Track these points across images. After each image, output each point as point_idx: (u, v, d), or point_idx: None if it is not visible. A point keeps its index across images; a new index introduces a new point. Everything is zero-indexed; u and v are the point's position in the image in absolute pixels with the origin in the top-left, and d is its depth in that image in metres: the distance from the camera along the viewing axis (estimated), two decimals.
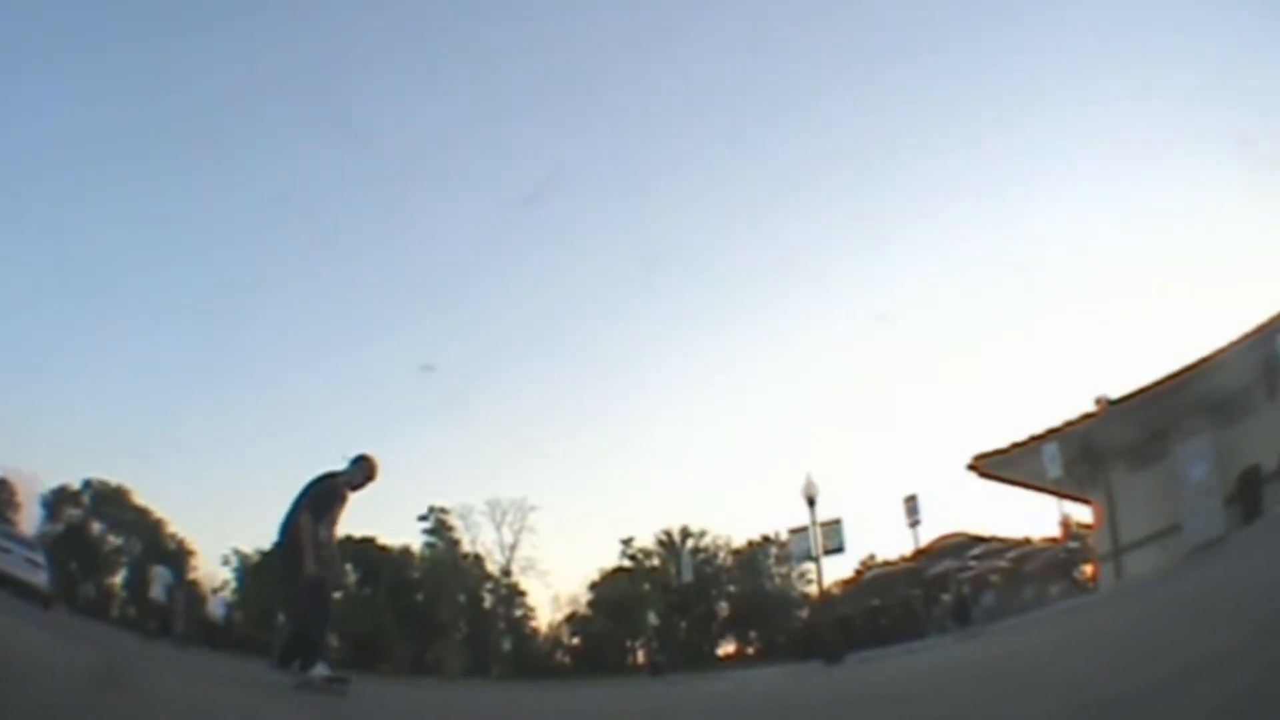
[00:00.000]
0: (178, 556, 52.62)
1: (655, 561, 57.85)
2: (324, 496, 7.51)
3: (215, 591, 50.27)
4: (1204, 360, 20.91)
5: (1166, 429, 21.81)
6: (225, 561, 56.96)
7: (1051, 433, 21.84)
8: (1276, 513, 16.96)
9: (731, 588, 58.98)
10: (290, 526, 7.31)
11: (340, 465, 8.00)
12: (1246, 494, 19.95)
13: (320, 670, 7.06)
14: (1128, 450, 22.53)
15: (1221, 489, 19.87)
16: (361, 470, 8.00)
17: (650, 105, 79.35)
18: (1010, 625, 19.74)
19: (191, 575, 51.90)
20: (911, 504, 25.68)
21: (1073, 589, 26.34)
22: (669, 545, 58.60)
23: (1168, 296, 75.21)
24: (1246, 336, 20.56)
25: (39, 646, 7.06)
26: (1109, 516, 22.51)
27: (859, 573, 45.00)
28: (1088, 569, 26.10)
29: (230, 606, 47.04)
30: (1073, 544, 26.78)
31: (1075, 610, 16.60)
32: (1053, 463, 20.84)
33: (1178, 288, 73.49)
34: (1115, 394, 22.65)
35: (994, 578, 28.29)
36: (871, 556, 47.22)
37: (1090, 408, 22.17)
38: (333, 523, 7.68)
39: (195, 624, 28.71)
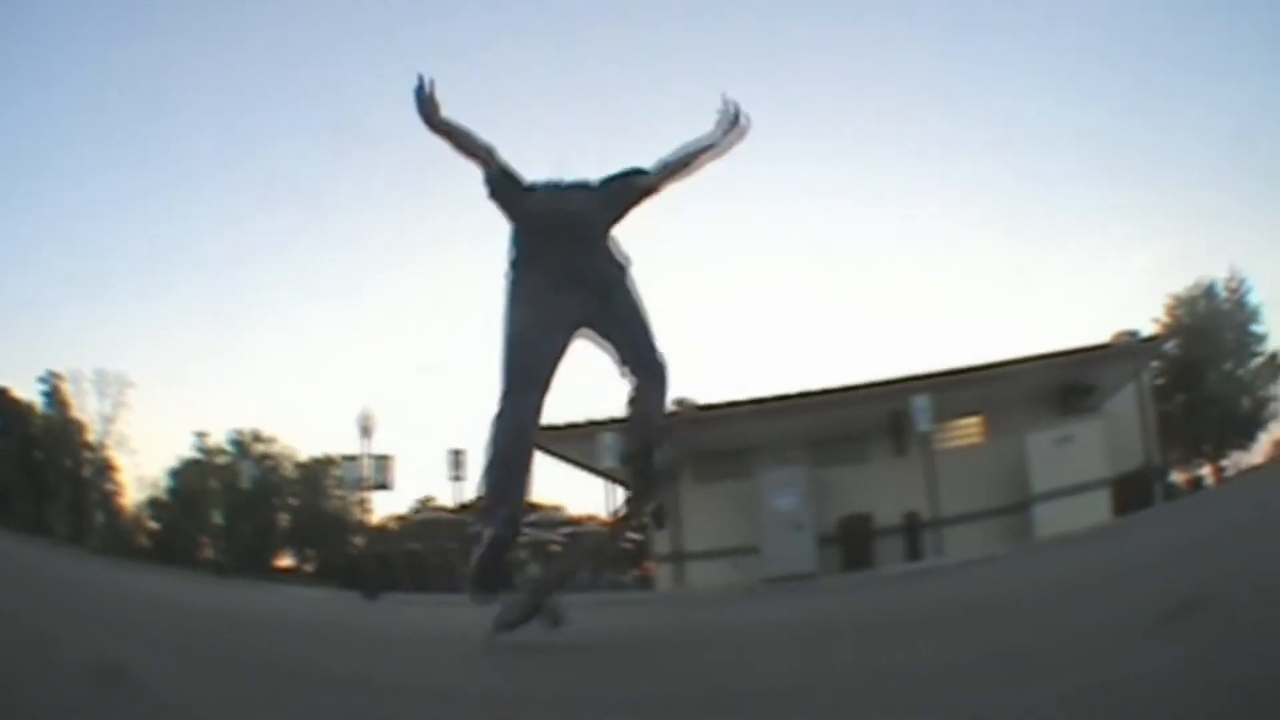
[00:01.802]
0: None
1: (225, 460, 56.04)
2: None
3: None
4: (823, 393, 21.58)
5: (755, 449, 22.11)
6: None
7: (615, 422, 21.10)
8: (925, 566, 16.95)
9: (293, 500, 57.49)
10: None
11: None
12: (852, 541, 20.75)
13: None
14: (702, 457, 22.38)
15: (815, 526, 20.44)
16: None
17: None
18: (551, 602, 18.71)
19: None
20: (457, 458, 24.60)
21: (631, 581, 26.15)
22: (241, 446, 56.74)
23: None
24: (877, 385, 21.39)
25: None
26: (673, 519, 21.94)
27: (417, 513, 44.30)
28: (649, 566, 25.98)
29: None
30: (637, 535, 26.44)
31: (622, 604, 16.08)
32: (608, 453, 20.09)
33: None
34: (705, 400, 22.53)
35: (546, 549, 27.70)
36: (429, 499, 46.80)
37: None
38: None
39: None
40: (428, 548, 26.32)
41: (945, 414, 20.84)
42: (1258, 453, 41.89)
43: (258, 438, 57.43)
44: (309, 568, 53.77)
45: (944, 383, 20.71)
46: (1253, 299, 39.00)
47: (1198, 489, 32.44)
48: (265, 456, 56.86)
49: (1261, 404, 39.04)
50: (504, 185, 4.69)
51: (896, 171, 77.62)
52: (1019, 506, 20.26)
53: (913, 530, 20.54)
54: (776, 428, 21.65)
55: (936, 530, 19.67)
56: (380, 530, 30.47)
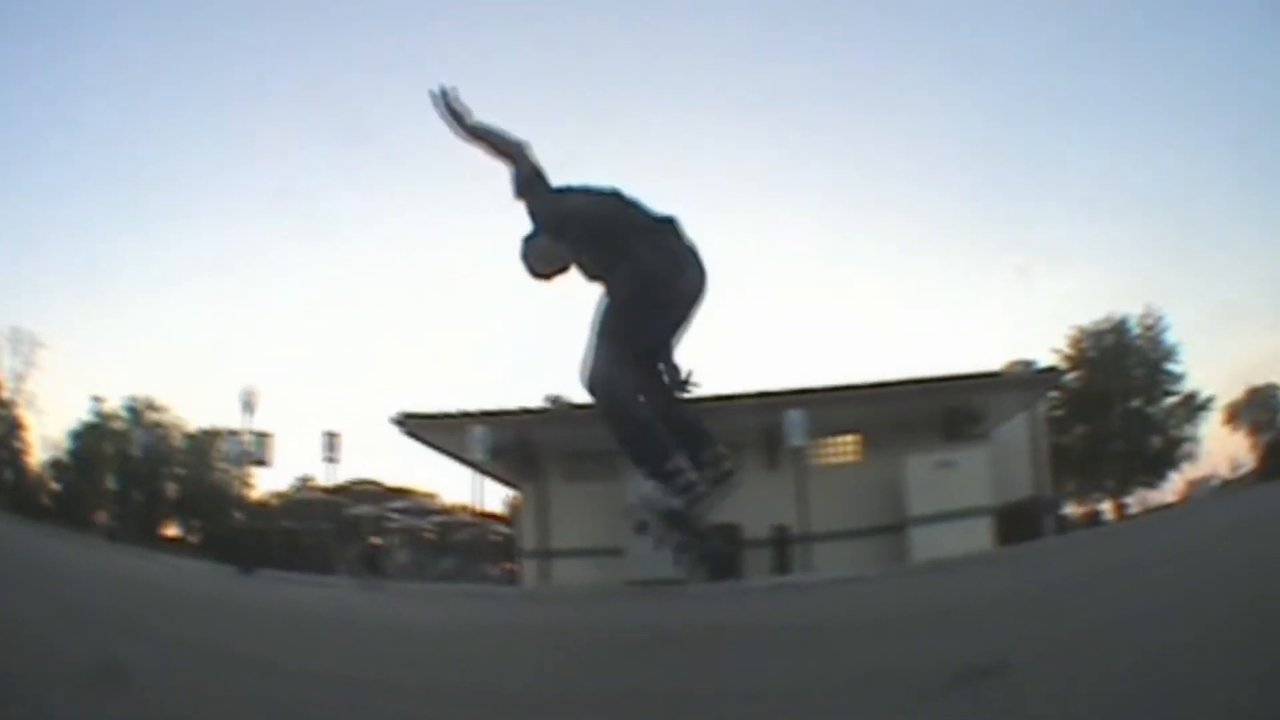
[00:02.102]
0: None
1: (120, 426, 55.79)
2: None
3: None
4: (695, 401, 20.51)
5: (618, 452, 21.11)
6: None
7: (486, 415, 20.57)
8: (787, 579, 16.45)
9: (180, 471, 56.93)
10: None
11: None
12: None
13: None
14: (572, 457, 22.15)
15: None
16: None
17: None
18: (418, 589, 18.29)
19: None
20: (331, 440, 24.21)
21: (497, 575, 25.74)
22: (136, 414, 56.50)
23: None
24: (750, 397, 20.95)
25: None
26: (538, 516, 22.19)
27: (296, 492, 43.88)
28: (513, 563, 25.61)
29: None
30: (507, 529, 25.99)
31: (487, 595, 15.72)
32: (479, 446, 19.63)
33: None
34: (578, 399, 22.10)
35: (417, 536, 27.14)
36: (309, 479, 46.40)
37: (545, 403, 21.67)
38: None
39: None
40: (303, 527, 25.69)
41: (822, 430, 20.49)
42: (1169, 491, 42.21)
43: (152, 406, 56.76)
44: (193, 538, 53.42)
45: (820, 399, 20.38)
46: (1169, 338, 38.93)
47: (1095, 523, 32.32)
48: (157, 425, 56.51)
49: (1174, 444, 38.96)
50: (536, 185, 4.69)
51: (799, 182, 78.30)
52: (895, 528, 19.99)
53: (781, 544, 20.19)
54: None
55: (806, 545, 19.27)
56: (259, 506, 29.86)
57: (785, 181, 77.53)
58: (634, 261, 4.48)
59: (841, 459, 22.23)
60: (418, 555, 25.98)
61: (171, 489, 57.36)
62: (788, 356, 71.16)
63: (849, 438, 22.23)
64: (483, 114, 4.65)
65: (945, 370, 22.24)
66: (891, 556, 19.66)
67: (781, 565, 20.08)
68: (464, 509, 26.37)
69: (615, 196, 4.67)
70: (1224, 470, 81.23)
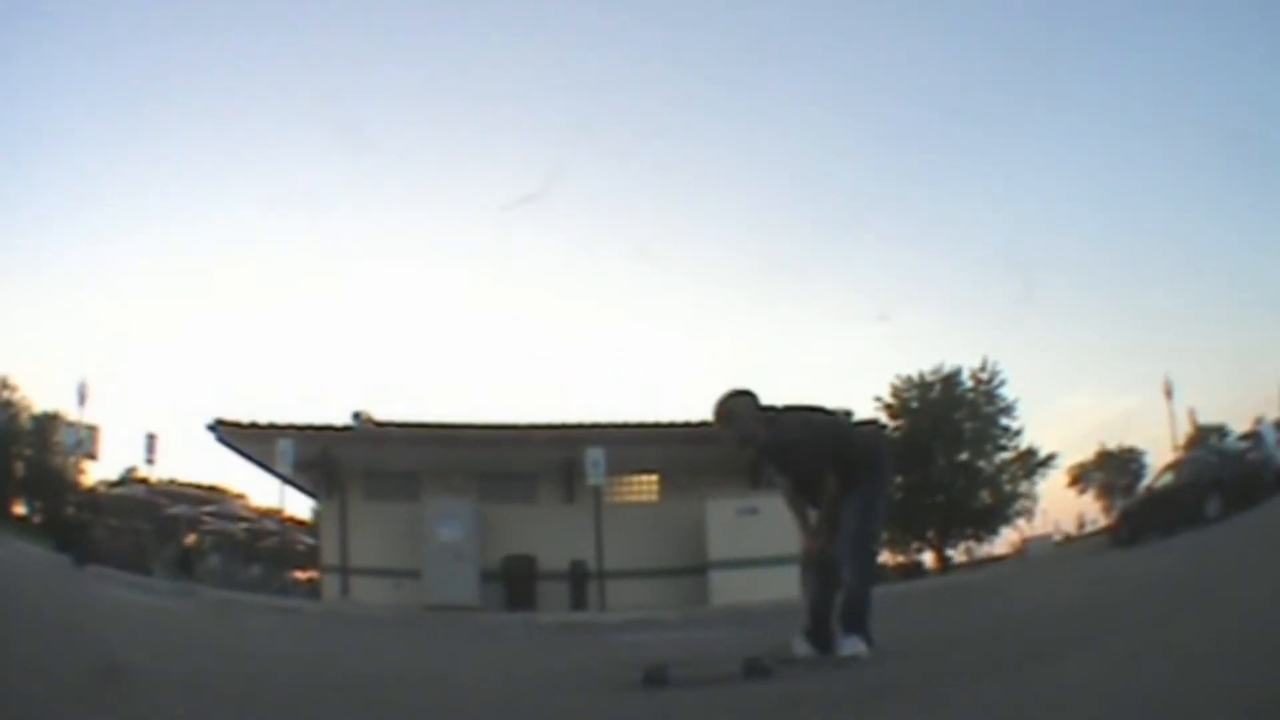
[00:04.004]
0: None
1: None
2: None
3: None
4: (496, 428, 21.17)
5: (425, 474, 21.61)
6: None
7: (294, 428, 20.30)
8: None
9: (27, 451, 55.42)
10: None
11: None
12: (515, 581, 20.20)
13: None
14: (372, 475, 22.02)
15: (478, 560, 19.92)
16: None
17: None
18: (228, 599, 17.90)
19: None
20: (151, 442, 24.02)
21: (302, 585, 25.40)
22: None
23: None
24: (551, 429, 21.01)
25: None
26: (339, 532, 21.66)
27: (118, 485, 42.91)
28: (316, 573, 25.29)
29: None
30: (313, 539, 25.63)
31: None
32: (284, 458, 19.38)
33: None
34: (382, 416, 22.04)
35: (228, 540, 26.64)
36: (134, 470, 45.40)
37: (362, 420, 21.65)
38: None
39: None
40: (125, 525, 25.09)
41: (623, 468, 20.53)
42: (1000, 544, 42.86)
43: (5, 384, 55.41)
44: (37, 519, 51.91)
45: (619, 436, 20.35)
46: (1006, 393, 38.59)
47: (915, 572, 32.99)
48: (8, 404, 55.16)
49: (1008, 499, 38.94)
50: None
51: (626, 206, 79.36)
52: (695, 570, 20.05)
53: (578, 578, 20.09)
54: (448, 455, 21.09)
55: (602, 581, 19.20)
56: (90, 496, 29.27)
57: (604, 209, 78.63)
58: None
59: (640, 497, 22.26)
60: (228, 561, 25.54)
61: (19, 468, 55.51)
62: (591, 389, 72.39)
63: (649, 477, 22.29)
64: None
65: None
66: (691, 598, 19.77)
67: (578, 599, 19.97)
68: (274, 512, 25.94)
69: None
70: (1069, 527, 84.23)
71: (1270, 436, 23.83)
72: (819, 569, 5.62)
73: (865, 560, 5.51)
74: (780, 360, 65.89)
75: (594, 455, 18.66)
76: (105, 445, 23.66)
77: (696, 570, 20.05)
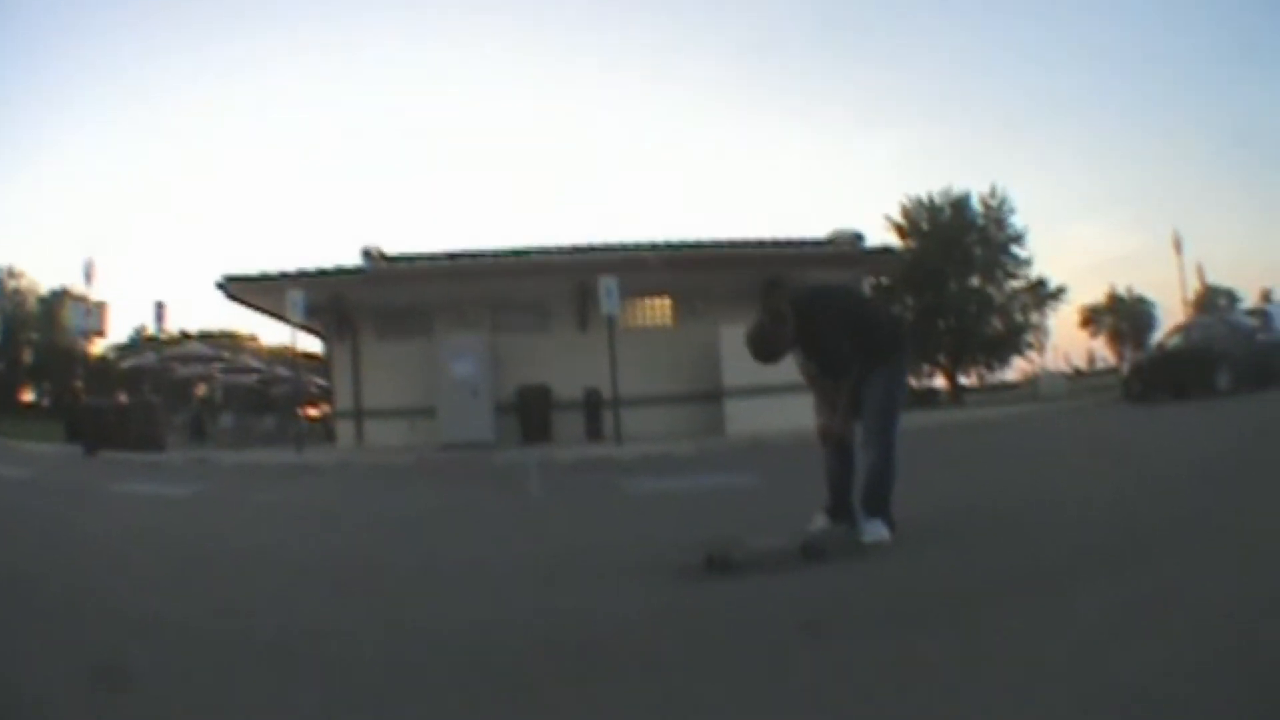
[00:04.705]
0: None
1: None
2: None
3: None
4: (508, 256, 20.90)
5: (437, 309, 21.46)
6: None
7: (303, 276, 20.10)
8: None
9: (34, 335, 55.21)
10: None
11: None
12: (531, 413, 20.22)
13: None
14: (384, 315, 21.83)
15: (492, 393, 19.91)
16: None
17: None
18: (242, 464, 17.77)
19: None
20: (160, 310, 23.85)
21: (317, 430, 25.50)
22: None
23: None
24: (565, 253, 20.86)
25: None
26: (353, 375, 21.69)
27: (130, 352, 42.51)
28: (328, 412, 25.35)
29: None
30: (324, 381, 25.43)
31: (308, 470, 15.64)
32: (295, 309, 19.15)
33: None
34: (389, 253, 21.75)
35: (241, 393, 26.59)
36: (144, 329, 44.98)
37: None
38: None
39: None
40: (135, 400, 25.19)
41: (636, 290, 20.33)
42: (1010, 372, 43.27)
43: (11, 273, 56.51)
44: (46, 402, 52.16)
45: (632, 260, 19.92)
46: (1017, 222, 38.12)
47: (930, 402, 33.01)
48: (15, 292, 55.53)
49: (1018, 328, 38.84)
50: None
51: (623, 37, 78.17)
52: (710, 397, 19.99)
53: (592, 407, 20.06)
54: (459, 288, 20.87)
55: (617, 410, 18.61)
56: (100, 369, 29.33)
57: (611, 24, 77.11)
58: None
59: (654, 322, 22.06)
60: (240, 418, 25.61)
61: (27, 354, 56.40)
62: (605, 211, 72.19)
63: (662, 300, 22.02)
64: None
65: (767, 236, 22.06)
66: (706, 426, 19.84)
67: (593, 429, 20.02)
68: (287, 352, 25.62)
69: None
70: (1080, 363, 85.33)
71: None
72: (838, 448, 5.70)
73: (887, 442, 5.52)
74: (791, 178, 65.77)
75: (607, 284, 18.09)
76: (114, 321, 23.79)
77: (712, 397, 19.95)
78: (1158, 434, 12.75)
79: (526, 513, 9.02)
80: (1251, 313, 25.77)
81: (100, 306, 22.76)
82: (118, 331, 65.47)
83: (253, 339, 35.07)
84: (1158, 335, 63.41)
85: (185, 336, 39.80)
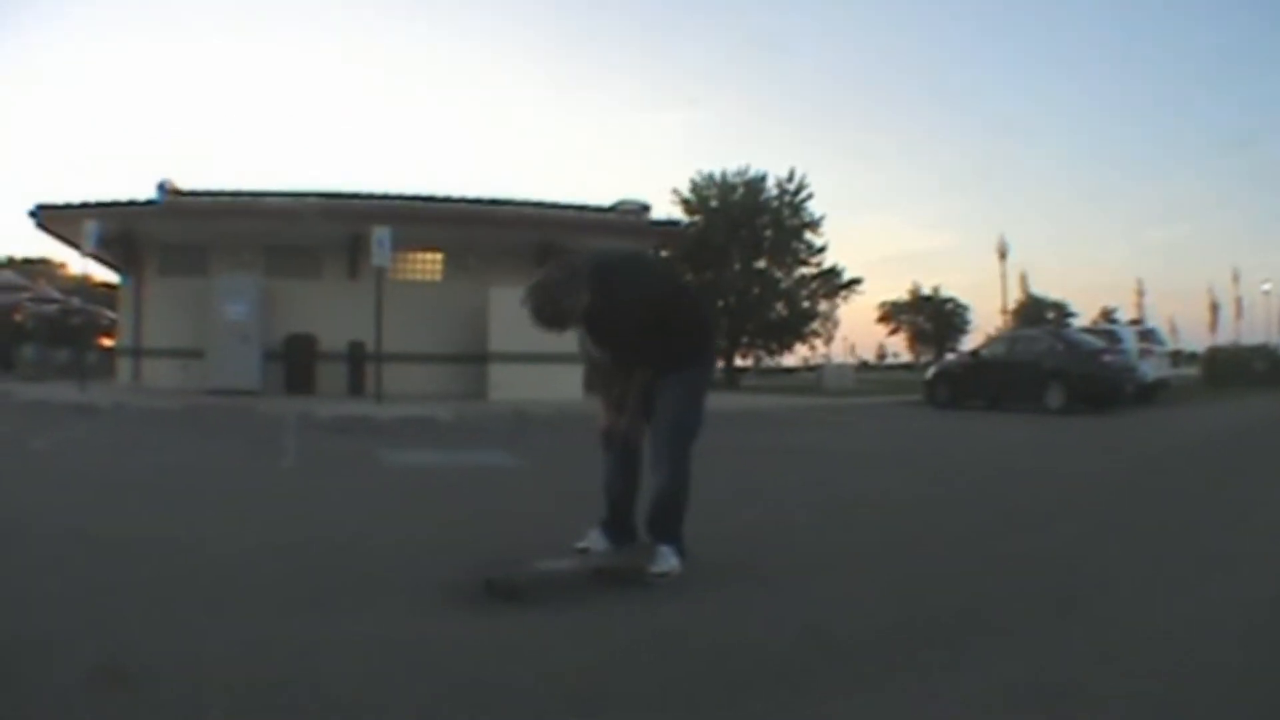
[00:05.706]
0: None
1: None
2: None
3: None
4: (282, 196, 21.10)
5: (211, 249, 21.59)
6: None
7: (102, 206, 20.01)
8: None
9: None
10: None
11: None
12: (295, 362, 20.47)
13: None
14: (168, 250, 21.92)
15: (262, 339, 20.00)
16: None
17: None
18: (36, 401, 17.07)
19: None
20: None
21: (102, 358, 25.34)
22: None
23: None
24: (339, 198, 21.13)
25: None
26: (135, 312, 21.81)
27: None
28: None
29: None
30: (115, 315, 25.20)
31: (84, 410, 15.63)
32: (89, 238, 19.32)
33: None
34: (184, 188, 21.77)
35: (45, 323, 26.25)
36: None
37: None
38: None
39: None
40: None
41: (408, 243, 20.38)
42: (791, 358, 44.63)
43: None
44: None
45: (407, 211, 20.41)
46: (813, 208, 37.91)
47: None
48: None
49: (804, 316, 38.76)
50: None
51: None
52: (477, 358, 20.27)
53: (356, 361, 20.22)
54: (238, 227, 20.98)
55: (379, 366, 18.46)
56: None
57: None
58: None
59: (426, 276, 22.29)
60: (41, 350, 25.67)
61: None
62: (381, 160, 72.37)
63: (434, 255, 22.26)
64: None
65: (547, 199, 22.43)
66: (469, 389, 20.11)
67: (355, 384, 20.16)
68: (84, 282, 25.18)
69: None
70: (868, 355, 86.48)
71: (1130, 340, 24.04)
72: (621, 454, 4.86)
73: (683, 458, 4.71)
74: (579, 145, 66.24)
75: (380, 234, 17.95)
76: None
77: (477, 359, 20.14)
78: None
79: (274, 489, 8.12)
80: (1097, 332, 25.70)
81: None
82: None
83: (63, 266, 34.84)
84: (970, 341, 65.83)
85: (12, 261, 39.32)
